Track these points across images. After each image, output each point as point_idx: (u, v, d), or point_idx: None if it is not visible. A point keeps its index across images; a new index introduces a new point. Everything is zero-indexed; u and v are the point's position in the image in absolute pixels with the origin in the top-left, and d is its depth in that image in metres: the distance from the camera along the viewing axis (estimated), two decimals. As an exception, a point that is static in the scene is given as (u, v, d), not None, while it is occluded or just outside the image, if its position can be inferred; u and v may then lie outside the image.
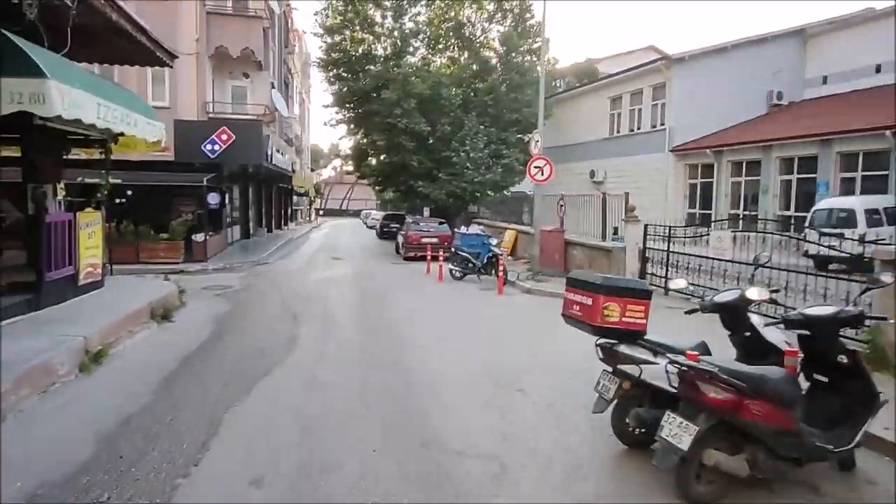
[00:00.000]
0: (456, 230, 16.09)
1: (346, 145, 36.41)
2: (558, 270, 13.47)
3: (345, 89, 24.34)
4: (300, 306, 9.73)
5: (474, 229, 16.01)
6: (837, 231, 10.39)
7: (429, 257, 15.22)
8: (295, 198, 41.60)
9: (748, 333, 4.04)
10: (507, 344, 7.24)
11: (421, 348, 6.96)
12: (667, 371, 3.37)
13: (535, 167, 12.80)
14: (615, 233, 13.41)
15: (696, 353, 3.61)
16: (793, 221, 16.41)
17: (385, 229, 27.77)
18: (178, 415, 4.54)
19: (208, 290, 11.35)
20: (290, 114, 28.64)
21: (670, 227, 10.70)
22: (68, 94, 5.45)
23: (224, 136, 16.48)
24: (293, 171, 27.32)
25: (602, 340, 3.97)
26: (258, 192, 26.81)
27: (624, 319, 3.70)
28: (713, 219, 18.51)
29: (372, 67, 23.44)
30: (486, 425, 4.47)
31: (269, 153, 18.84)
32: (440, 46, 25.48)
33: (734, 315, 4.11)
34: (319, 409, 4.78)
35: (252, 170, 21.47)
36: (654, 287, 7.40)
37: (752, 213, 18.28)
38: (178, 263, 14.70)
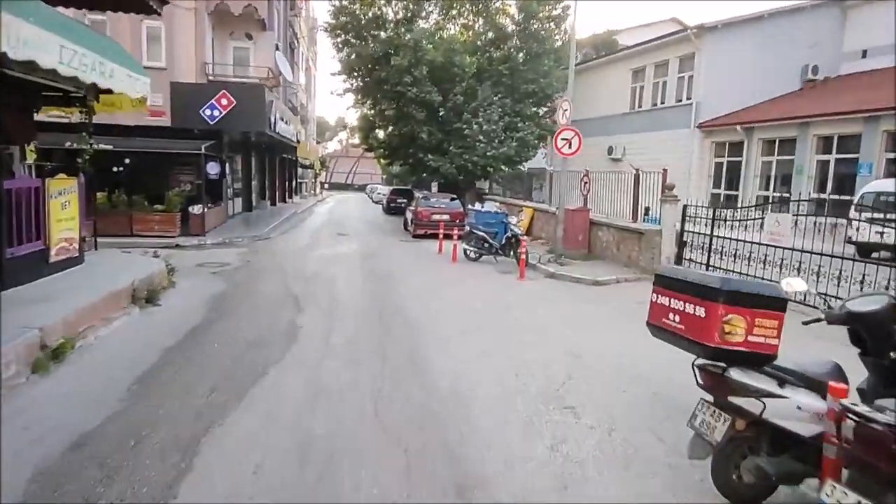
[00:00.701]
0: (469, 207, 15.02)
1: (353, 117, 35.15)
2: (581, 253, 12.48)
3: (353, 56, 23.00)
4: (303, 288, 8.78)
5: (489, 206, 14.95)
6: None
7: (441, 236, 14.23)
8: (300, 170, 40.39)
9: (895, 355, 3.02)
10: (541, 340, 6.21)
11: (441, 344, 6.00)
12: (837, 425, 2.36)
13: (563, 139, 11.64)
14: (646, 213, 12.38)
15: (842, 385, 2.64)
16: (827, 204, 15.38)
17: (392, 204, 27.00)
18: (147, 436, 3.60)
19: (203, 267, 10.42)
20: (296, 80, 27.28)
21: (715, 208, 9.62)
22: (17, 29, 4.39)
23: (224, 101, 15.39)
24: (298, 141, 26.15)
25: (702, 361, 2.97)
26: (261, 162, 25.67)
27: (750, 339, 2.68)
28: (740, 200, 17.40)
29: (382, 33, 22.13)
30: (534, 461, 3.50)
31: (273, 120, 17.72)
32: (454, 12, 24.03)
33: (876, 330, 3.06)
34: (324, 429, 3.84)
35: (254, 138, 20.36)
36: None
37: (784, 194, 17.16)
38: (173, 237, 13.80)
